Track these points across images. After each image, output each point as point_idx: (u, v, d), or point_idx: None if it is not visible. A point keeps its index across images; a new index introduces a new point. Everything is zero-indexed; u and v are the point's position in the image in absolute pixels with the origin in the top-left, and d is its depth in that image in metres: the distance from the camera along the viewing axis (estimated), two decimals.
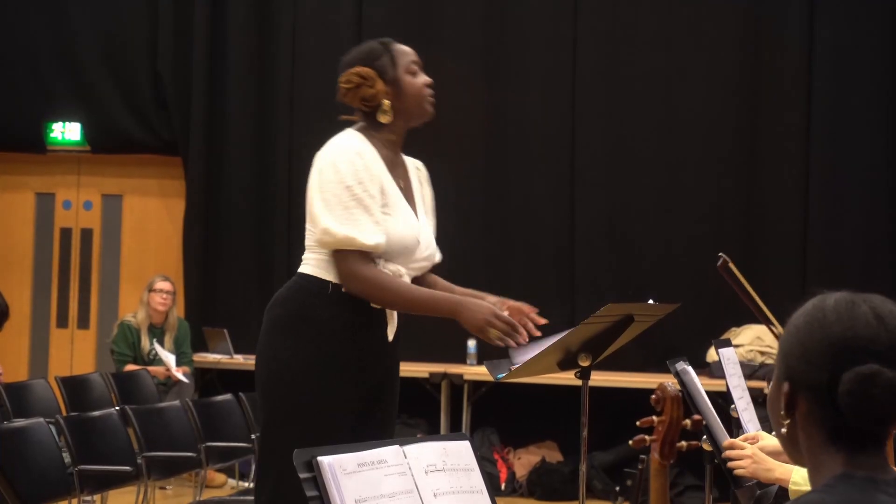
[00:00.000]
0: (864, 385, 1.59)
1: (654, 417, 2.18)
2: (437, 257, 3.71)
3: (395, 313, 3.52)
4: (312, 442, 3.24)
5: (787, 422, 1.67)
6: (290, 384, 3.43)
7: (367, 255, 3.41)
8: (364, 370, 3.50)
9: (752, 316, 7.97)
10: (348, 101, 3.60)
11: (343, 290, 3.43)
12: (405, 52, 3.65)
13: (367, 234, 3.38)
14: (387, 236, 3.43)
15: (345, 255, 3.40)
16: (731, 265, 3.53)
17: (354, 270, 3.39)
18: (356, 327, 3.46)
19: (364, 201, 3.39)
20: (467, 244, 8.81)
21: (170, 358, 8.34)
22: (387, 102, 3.56)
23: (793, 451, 1.70)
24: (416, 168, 3.75)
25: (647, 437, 2.18)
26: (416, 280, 3.62)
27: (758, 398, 4.37)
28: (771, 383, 1.73)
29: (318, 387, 3.42)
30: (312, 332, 3.43)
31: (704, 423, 3.41)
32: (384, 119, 3.56)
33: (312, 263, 3.49)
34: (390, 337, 3.52)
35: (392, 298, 3.43)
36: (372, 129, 3.57)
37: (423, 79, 3.63)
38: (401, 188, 3.56)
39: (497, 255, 8.81)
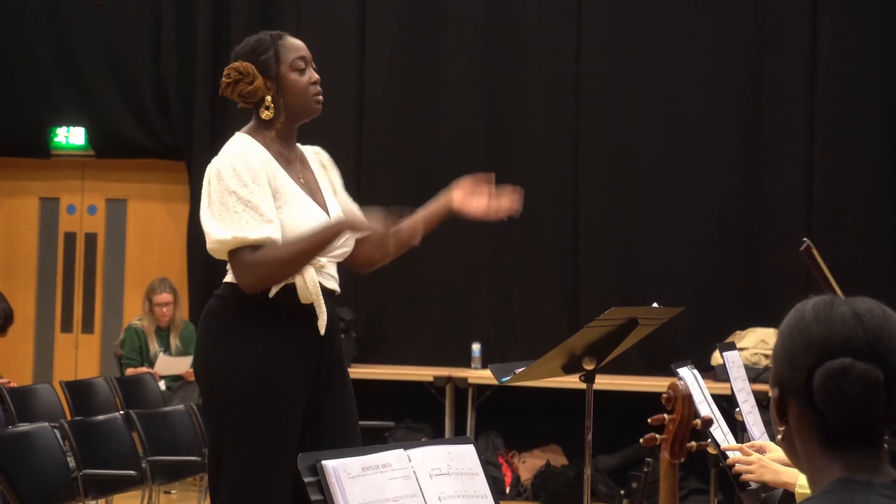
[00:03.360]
0: (835, 379, 1.59)
1: (665, 415, 2.17)
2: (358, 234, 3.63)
3: (323, 307, 3.44)
4: (264, 456, 3.24)
5: (783, 428, 1.67)
6: (238, 399, 3.38)
7: (256, 248, 3.34)
8: (305, 373, 3.43)
9: (756, 319, 8.02)
10: (228, 95, 3.54)
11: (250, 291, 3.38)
12: (293, 47, 3.54)
13: (254, 230, 3.32)
14: (284, 230, 3.36)
15: (236, 256, 3.35)
16: (815, 251, 3.54)
17: (244, 263, 3.34)
18: (288, 327, 3.42)
19: (251, 202, 3.34)
20: (470, 248, 8.80)
21: (177, 362, 8.38)
22: (268, 98, 3.50)
23: (793, 457, 1.70)
24: (314, 153, 3.69)
25: (657, 436, 2.17)
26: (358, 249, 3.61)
27: (762, 401, 4.36)
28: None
29: (266, 399, 3.37)
30: (247, 339, 3.40)
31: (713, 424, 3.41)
32: (265, 115, 3.51)
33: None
34: (322, 330, 3.44)
35: (286, 261, 3.35)
36: (261, 126, 3.53)
37: (309, 76, 3.54)
38: (301, 183, 3.49)
39: (500, 258, 8.81)
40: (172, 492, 7.95)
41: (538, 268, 8.76)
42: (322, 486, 1.97)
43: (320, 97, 3.56)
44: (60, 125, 9.76)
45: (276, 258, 3.33)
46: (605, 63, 8.77)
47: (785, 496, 3.44)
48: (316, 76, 3.55)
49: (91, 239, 9.95)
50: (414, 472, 2.12)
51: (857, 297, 1.68)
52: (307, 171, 3.59)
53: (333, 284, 3.53)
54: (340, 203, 3.63)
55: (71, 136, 9.79)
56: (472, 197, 3.59)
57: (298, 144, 3.64)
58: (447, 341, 8.79)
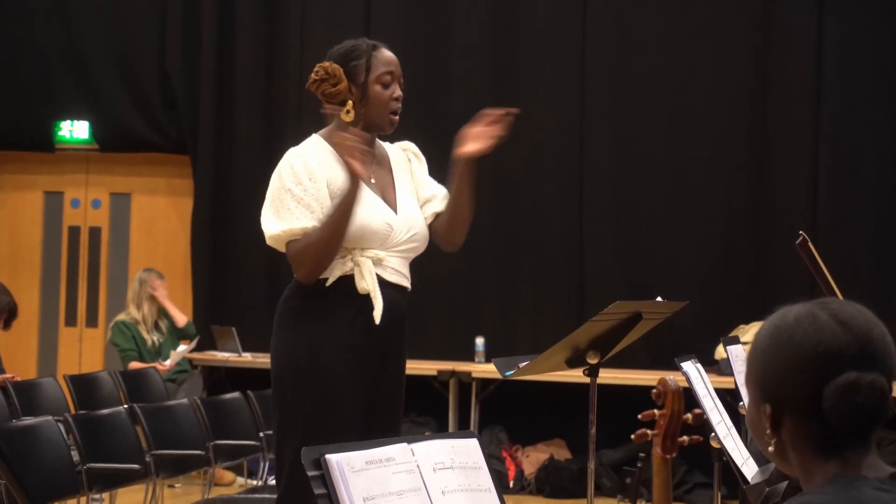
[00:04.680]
0: (848, 395, 1.60)
1: (656, 411, 2.17)
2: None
3: (379, 298, 3.54)
4: (321, 438, 3.28)
5: (774, 440, 1.68)
6: (295, 380, 3.52)
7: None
8: (362, 361, 3.54)
9: (760, 313, 8.03)
10: (312, 91, 3.66)
11: (307, 282, 3.54)
12: (384, 61, 3.65)
13: (299, 223, 3.49)
14: (350, 228, 3.50)
15: (287, 250, 3.54)
16: (811, 244, 3.56)
17: (292, 257, 3.52)
18: (345, 316, 3.53)
19: (303, 200, 3.50)
20: (476, 244, 8.78)
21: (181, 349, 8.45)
22: (350, 103, 3.61)
23: (783, 465, 1.72)
24: (400, 150, 3.82)
25: (648, 432, 2.17)
26: None
27: None
28: (747, 405, 1.73)
29: (321, 381, 3.49)
30: (306, 324, 3.54)
31: (706, 417, 3.42)
32: (345, 118, 3.62)
33: None
34: (377, 320, 3.53)
35: (322, 240, 3.48)
36: (339, 127, 3.63)
37: (392, 91, 3.64)
38: (371, 182, 3.61)
39: (506, 254, 8.81)
40: (176, 485, 7.96)
41: (543, 262, 8.76)
42: (326, 479, 1.98)
43: (396, 115, 3.66)
44: (65, 119, 9.77)
45: (313, 240, 3.48)
46: (610, 60, 8.76)
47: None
48: (399, 93, 3.66)
49: (95, 233, 9.96)
50: (417, 465, 2.12)
51: (829, 300, 1.68)
52: (382, 171, 3.70)
53: (397, 278, 3.63)
54: (425, 194, 3.80)
55: (75, 130, 9.80)
56: (470, 142, 3.82)
57: (386, 144, 3.77)
58: (451, 335, 8.79)
